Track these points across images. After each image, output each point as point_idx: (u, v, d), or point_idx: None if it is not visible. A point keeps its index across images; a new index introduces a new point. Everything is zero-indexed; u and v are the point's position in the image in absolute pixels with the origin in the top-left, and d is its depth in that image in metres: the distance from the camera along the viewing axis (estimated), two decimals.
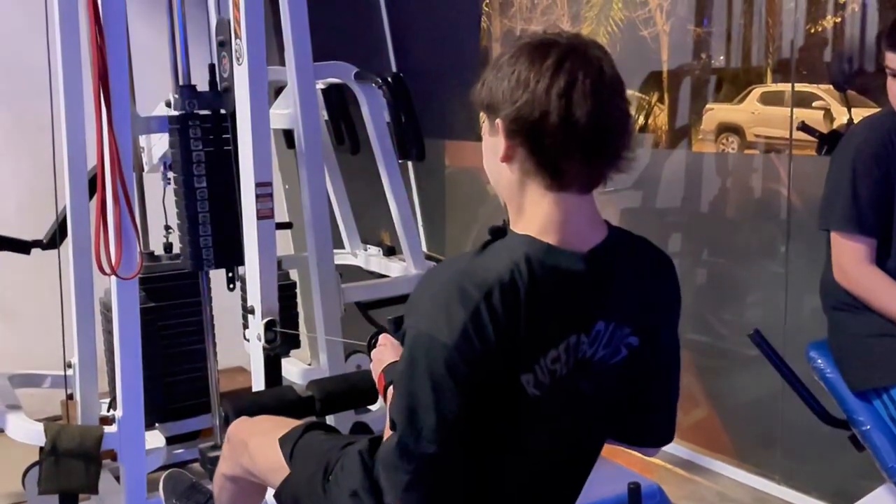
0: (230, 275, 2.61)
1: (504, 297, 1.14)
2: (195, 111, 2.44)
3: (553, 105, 1.12)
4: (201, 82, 2.60)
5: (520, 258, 1.17)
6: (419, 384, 1.16)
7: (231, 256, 2.47)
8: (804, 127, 2.55)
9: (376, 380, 1.51)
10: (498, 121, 1.18)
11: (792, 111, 2.68)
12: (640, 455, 1.50)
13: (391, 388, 1.42)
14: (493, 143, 1.22)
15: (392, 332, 1.59)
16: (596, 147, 1.15)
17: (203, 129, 2.43)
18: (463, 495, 1.21)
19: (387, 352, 1.49)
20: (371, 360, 1.54)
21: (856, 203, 1.94)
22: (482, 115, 1.24)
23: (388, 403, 1.40)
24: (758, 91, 2.85)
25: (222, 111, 2.44)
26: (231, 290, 2.66)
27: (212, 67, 2.53)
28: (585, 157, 1.16)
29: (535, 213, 1.20)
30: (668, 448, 3.11)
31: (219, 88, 2.49)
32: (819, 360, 2.07)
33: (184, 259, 2.54)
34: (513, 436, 1.23)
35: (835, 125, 2.60)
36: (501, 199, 1.27)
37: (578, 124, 1.12)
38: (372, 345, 1.66)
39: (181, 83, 2.51)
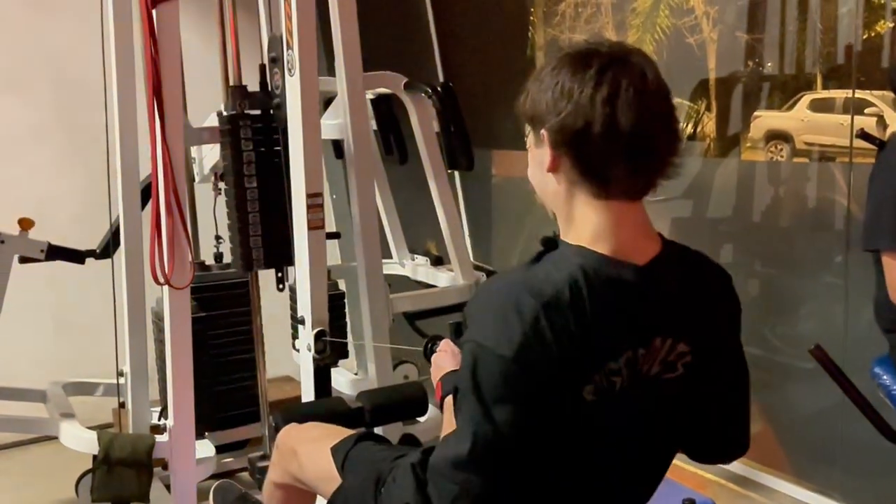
0: (279, 275, 2.61)
1: (562, 308, 1.12)
2: (246, 111, 2.44)
3: (597, 113, 1.11)
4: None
5: (576, 270, 1.15)
6: (478, 398, 1.15)
7: (280, 257, 2.45)
8: (864, 134, 2.48)
9: (435, 386, 1.51)
10: (543, 132, 1.18)
11: (853, 118, 2.62)
12: (693, 470, 1.48)
13: (448, 398, 1.41)
14: (538, 154, 1.22)
15: (452, 336, 1.60)
16: (641, 153, 1.14)
17: (254, 129, 2.43)
18: None
19: (447, 358, 1.50)
20: (430, 365, 1.55)
21: None
22: (527, 127, 1.24)
23: (444, 411, 1.40)
24: (807, 98, 2.79)
25: (272, 111, 2.43)
26: (280, 290, 2.65)
27: (262, 68, 2.53)
28: (631, 164, 1.15)
29: (584, 223, 1.19)
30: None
31: (269, 88, 2.48)
32: (885, 377, 2.01)
33: (234, 260, 2.52)
34: (574, 450, 1.21)
35: (888, 132, 2.53)
36: (549, 209, 1.27)
37: (623, 131, 1.11)
38: (429, 349, 1.65)
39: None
